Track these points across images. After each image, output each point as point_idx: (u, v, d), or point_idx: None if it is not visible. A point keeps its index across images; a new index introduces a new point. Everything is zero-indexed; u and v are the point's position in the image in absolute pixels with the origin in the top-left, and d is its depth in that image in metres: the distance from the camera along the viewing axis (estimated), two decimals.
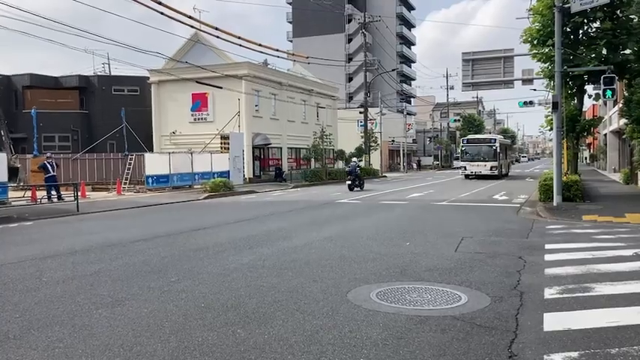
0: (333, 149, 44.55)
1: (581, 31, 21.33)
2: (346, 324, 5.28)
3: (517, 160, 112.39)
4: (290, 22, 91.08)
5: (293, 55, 35.76)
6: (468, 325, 5.22)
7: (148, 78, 40.08)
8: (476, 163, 38.98)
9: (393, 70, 62.78)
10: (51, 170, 22.84)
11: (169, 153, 30.68)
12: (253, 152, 37.58)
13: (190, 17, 19.28)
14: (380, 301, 6.07)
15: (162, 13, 17.19)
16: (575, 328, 5.10)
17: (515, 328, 5.14)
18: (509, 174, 45.79)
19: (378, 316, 5.54)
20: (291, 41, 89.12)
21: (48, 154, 24.93)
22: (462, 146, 41.19)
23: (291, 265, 8.41)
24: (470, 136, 45.41)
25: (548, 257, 8.71)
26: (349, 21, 80.00)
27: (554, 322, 5.31)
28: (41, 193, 22.94)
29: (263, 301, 6.22)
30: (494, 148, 39.08)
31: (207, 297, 6.44)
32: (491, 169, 38.37)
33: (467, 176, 39.01)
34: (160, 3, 17.02)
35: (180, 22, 18.57)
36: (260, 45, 22.45)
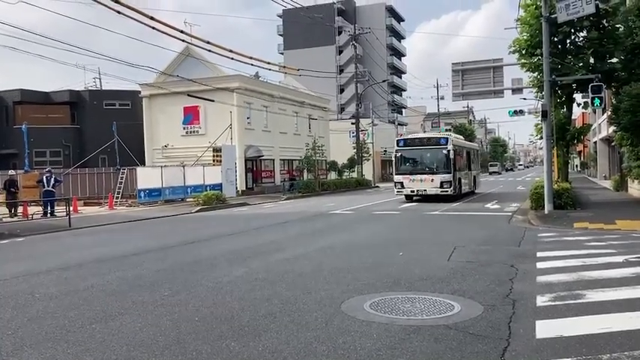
0: (325, 160, 44.61)
1: (568, 41, 21.62)
2: (340, 335, 5.29)
3: (511, 169, 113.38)
4: (281, 35, 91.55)
5: (284, 67, 35.94)
6: (461, 334, 5.25)
7: (140, 92, 40.09)
8: (418, 177, 25.06)
9: (384, 81, 63.15)
10: (46, 185, 22.78)
11: (161, 167, 30.63)
12: (246, 164, 37.57)
13: (182, 32, 19.36)
14: (373, 311, 6.09)
15: (154, 28, 17.25)
16: (567, 335, 5.14)
17: (508, 336, 5.17)
18: (478, 191, 31.98)
19: (372, 326, 5.55)
20: (282, 54, 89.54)
21: (47, 169, 24.93)
22: (397, 150, 26.25)
23: (284, 277, 8.41)
24: (409, 136, 31.40)
25: (540, 265, 8.77)
26: (339, 33, 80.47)
27: (546, 329, 5.35)
28: (34, 209, 22.83)
29: (256, 313, 6.22)
30: (445, 152, 24.92)
31: (200, 310, 6.44)
32: (441, 186, 24.46)
33: (407, 197, 25.98)
34: (152, 18, 17.09)
35: (172, 36, 18.64)
36: (251, 58, 22.55)
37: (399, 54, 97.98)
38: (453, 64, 27.30)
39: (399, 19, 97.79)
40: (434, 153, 25.48)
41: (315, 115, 47.25)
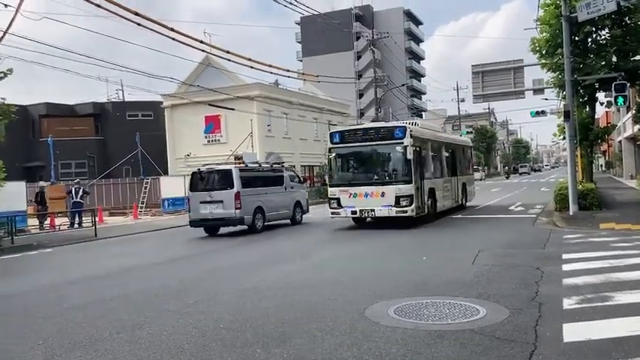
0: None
1: (590, 39, 21.30)
2: (365, 341, 5.29)
3: (539, 169, 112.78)
4: (299, 42, 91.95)
5: (303, 74, 36.11)
6: (486, 339, 5.21)
7: (162, 102, 40.61)
8: (362, 190, 16.49)
9: (403, 85, 62.94)
10: (74, 196, 23.21)
11: (184, 176, 30.94)
12: None
13: (201, 42, 19.56)
14: (398, 317, 6.07)
15: (174, 39, 17.48)
16: (595, 339, 5.07)
17: (535, 340, 5.12)
18: (472, 204, 23.48)
19: (397, 332, 5.54)
20: (301, 61, 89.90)
21: (76, 180, 25.43)
22: (331, 149, 17.41)
23: (308, 283, 8.43)
24: (350, 127, 21.72)
25: (565, 267, 8.65)
26: (358, 38, 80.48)
27: (574, 332, 5.28)
28: (61, 220, 23.24)
29: (281, 320, 6.25)
30: (401, 150, 16.10)
31: (225, 318, 6.49)
32: (397, 203, 15.96)
33: (355, 221, 17.72)
34: (172, 29, 17.32)
35: (192, 47, 18.87)
36: (270, 66, 22.68)
37: (417, 57, 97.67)
38: (472, 65, 27.12)
39: (417, 23, 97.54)
40: (384, 152, 16.66)
41: (335, 120, 47.32)
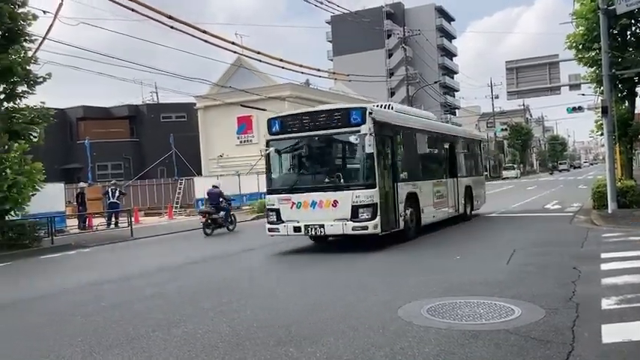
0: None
1: (628, 32, 20.72)
2: (398, 341, 5.26)
3: (578, 166, 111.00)
4: (330, 41, 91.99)
5: (334, 73, 36.10)
6: (522, 339, 5.12)
7: (195, 104, 41.16)
8: (310, 197, 11.91)
9: (435, 82, 62.39)
10: (111, 197, 23.74)
11: (217, 176, 31.30)
12: None
13: (233, 43, 19.80)
14: (431, 316, 6.02)
15: (206, 41, 17.70)
16: (635, 340, 4.93)
17: (572, 341, 5.00)
18: (481, 212, 19.56)
19: (430, 331, 5.49)
20: (331, 60, 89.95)
21: (112, 182, 26.03)
22: (269, 142, 12.81)
23: (340, 282, 8.44)
24: (294, 112, 13.89)
25: (604, 267, 8.44)
26: (389, 36, 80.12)
27: (612, 333, 5.14)
28: (98, 220, 23.79)
29: (314, 319, 6.27)
30: (354, 140, 11.59)
31: (259, 317, 6.54)
32: (354, 215, 11.39)
33: (313, 239, 13.50)
34: (204, 32, 17.55)
35: (224, 48, 19.09)
36: (301, 66, 22.78)
37: (450, 54, 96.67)
38: (506, 62, 26.70)
39: (449, 19, 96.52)
40: (338, 144, 12.33)
41: None
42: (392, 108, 14.27)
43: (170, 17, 16.15)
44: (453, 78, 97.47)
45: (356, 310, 6.54)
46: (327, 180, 11.84)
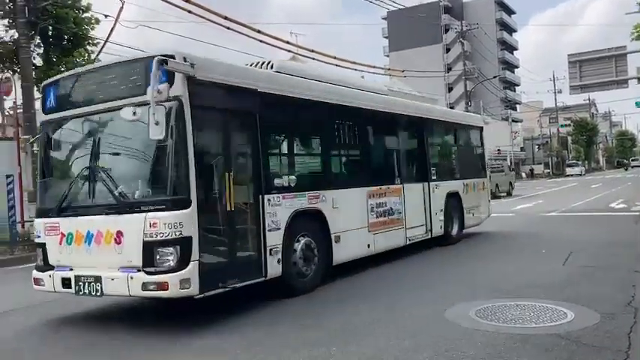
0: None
1: None
2: (443, 342, 5.19)
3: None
4: (386, 37, 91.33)
5: (389, 69, 35.87)
6: (573, 344, 4.95)
7: None
8: (84, 225, 6.41)
9: (495, 77, 60.91)
10: None
11: None
12: None
13: (288, 42, 20.01)
14: (479, 318, 5.90)
15: (261, 41, 17.97)
16: None
17: (628, 348, 4.79)
18: (477, 230, 13.86)
19: (477, 334, 5.39)
20: (387, 56, 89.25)
21: None
22: (43, 123, 7.41)
23: (384, 282, 8.40)
24: (67, 73, 7.74)
25: None
26: (446, 31, 78.70)
27: None
28: None
29: (356, 318, 6.28)
30: (157, 117, 5.60)
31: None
32: (148, 261, 5.87)
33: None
34: (259, 31, 17.82)
35: (279, 47, 19.30)
36: (355, 62, 22.75)
37: (510, 48, 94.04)
38: (569, 55, 25.84)
39: (510, 12, 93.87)
40: (121, 128, 6.59)
41: None
42: (271, 67, 8.19)
43: (226, 18, 16.47)
44: (513, 72, 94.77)
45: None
46: (111, 194, 6.35)
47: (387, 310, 6.58)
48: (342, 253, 8.38)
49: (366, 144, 9.84)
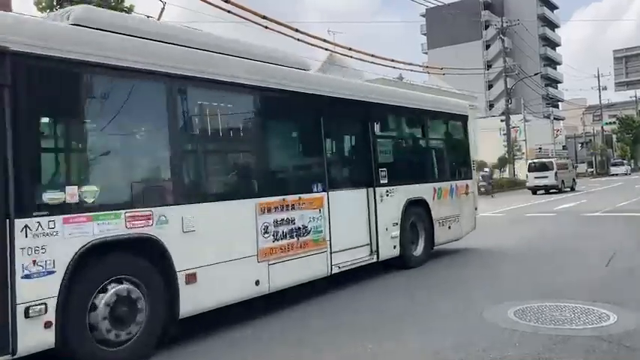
0: (473, 161, 43.24)
1: None
2: (480, 342, 5.17)
3: None
4: (424, 34, 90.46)
5: (427, 67, 35.57)
6: (615, 347, 4.86)
7: None
8: None
9: (536, 74, 59.51)
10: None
11: None
12: None
13: (325, 40, 20.05)
14: (517, 319, 5.84)
15: (299, 40, 18.06)
16: None
17: None
18: (452, 247, 10.91)
19: (515, 334, 5.34)
20: (426, 53, 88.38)
21: None
22: None
23: (422, 282, 8.38)
24: None
25: None
26: (486, 27, 77.46)
27: None
28: None
29: (394, 315, 6.30)
30: None
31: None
32: None
33: None
34: (297, 30, 17.92)
35: (317, 46, 19.36)
36: (393, 60, 22.69)
37: (552, 44, 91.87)
38: (614, 51, 25.19)
39: (552, 7, 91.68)
40: None
41: None
42: (68, 19, 5.36)
43: (264, 17, 16.63)
44: (555, 69, 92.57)
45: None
46: None
47: None
48: (200, 299, 5.60)
49: (253, 137, 6.77)
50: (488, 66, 77.67)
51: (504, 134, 46.29)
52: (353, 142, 8.82)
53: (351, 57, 20.73)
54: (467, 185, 11.22)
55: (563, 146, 69.14)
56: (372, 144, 8.51)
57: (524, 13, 73.99)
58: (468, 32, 78.22)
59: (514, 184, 41.50)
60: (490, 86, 79.74)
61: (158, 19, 16.45)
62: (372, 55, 21.23)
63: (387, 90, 9.62)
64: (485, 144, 48.65)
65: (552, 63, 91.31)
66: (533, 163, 33.55)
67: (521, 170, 47.62)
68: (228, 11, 15.62)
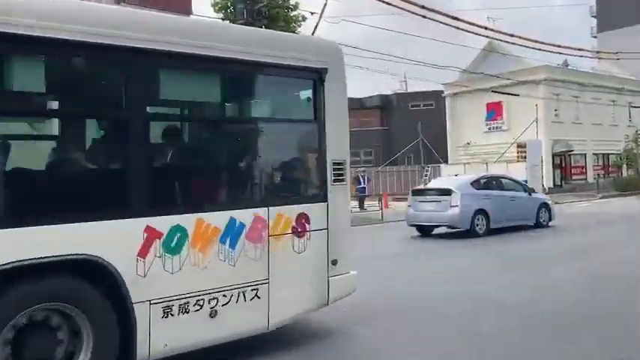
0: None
1: None
2: None
3: None
4: (594, 17, 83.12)
5: (597, 52, 32.72)
6: None
7: (443, 92, 41.26)
8: None
9: None
10: (362, 182, 25.72)
11: (464, 164, 31.02)
12: (553, 160, 35.49)
13: (485, 28, 19.32)
14: None
15: (457, 28, 17.59)
16: None
17: None
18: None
19: None
20: (595, 37, 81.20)
21: (362, 168, 28.10)
22: None
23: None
24: None
25: None
26: None
27: None
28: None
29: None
30: None
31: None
32: None
33: None
34: (455, 18, 17.48)
35: (476, 33, 18.74)
36: (559, 46, 21.17)
37: None
38: None
39: None
40: None
41: (637, 102, 41.65)
42: None
43: (423, 7, 16.45)
44: None
45: None
46: None
47: None
48: None
49: None
50: None
51: None
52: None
53: (514, 44, 19.71)
54: (301, 216, 5.36)
55: None
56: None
57: None
58: None
59: None
60: None
61: (320, 15, 17.03)
62: (537, 41, 20.01)
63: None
64: None
65: None
66: None
67: None
68: (388, 3, 15.71)
